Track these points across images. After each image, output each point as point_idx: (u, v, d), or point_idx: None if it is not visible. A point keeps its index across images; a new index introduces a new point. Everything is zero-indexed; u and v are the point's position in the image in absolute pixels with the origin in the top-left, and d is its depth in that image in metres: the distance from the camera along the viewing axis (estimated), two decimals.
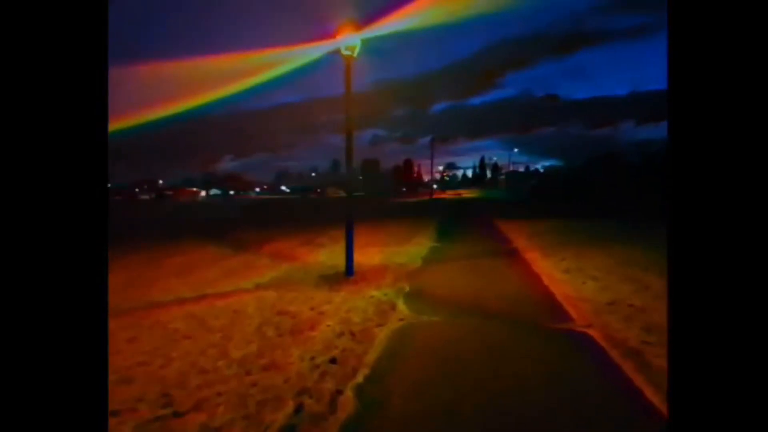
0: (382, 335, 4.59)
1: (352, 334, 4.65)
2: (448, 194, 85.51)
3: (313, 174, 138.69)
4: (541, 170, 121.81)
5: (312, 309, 5.59)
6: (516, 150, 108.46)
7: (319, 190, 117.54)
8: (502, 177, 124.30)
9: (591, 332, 4.49)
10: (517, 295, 6.00)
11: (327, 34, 7.10)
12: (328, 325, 4.94)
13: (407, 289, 6.53)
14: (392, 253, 9.95)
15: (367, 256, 9.60)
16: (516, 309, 5.34)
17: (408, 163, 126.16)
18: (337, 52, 7.25)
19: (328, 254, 10.05)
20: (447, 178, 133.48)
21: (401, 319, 5.08)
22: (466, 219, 21.32)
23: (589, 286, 6.33)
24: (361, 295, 6.21)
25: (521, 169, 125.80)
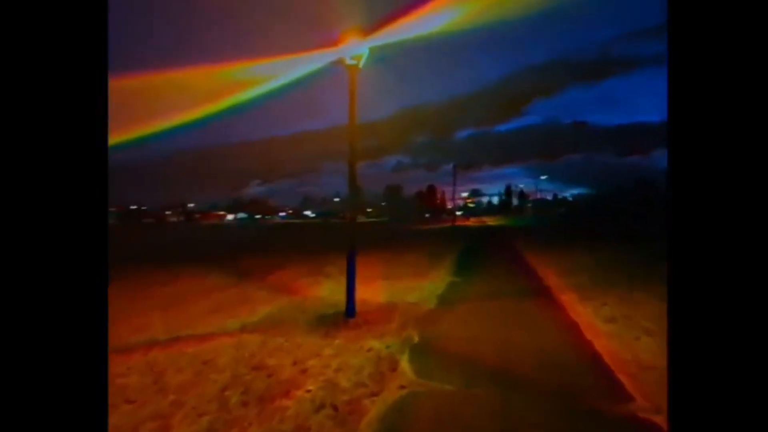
0: (373, 413, 3.46)
1: (335, 408, 3.54)
2: (472, 221, 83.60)
3: (336, 199, 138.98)
4: (570, 198, 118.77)
5: (295, 364, 4.52)
6: (543, 177, 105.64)
7: (341, 215, 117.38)
8: (529, 205, 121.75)
9: (662, 422, 3.25)
10: (552, 353, 4.79)
11: (329, 42, 6.26)
12: (309, 391, 3.86)
13: (416, 339, 5.39)
14: (405, 288, 8.82)
15: (376, 291, 8.51)
16: (552, 376, 4.13)
17: (431, 189, 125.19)
18: (340, 63, 6.38)
19: (334, 287, 8.98)
20: (471, 205, 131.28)
21: (402, 386, 3.95)
22: (490, 249, 19.99)
23: (645, 343, 5.04)
24: (359, 345, 5.11)
25: (549, 197, 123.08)
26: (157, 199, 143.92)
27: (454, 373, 4.23)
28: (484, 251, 18.91)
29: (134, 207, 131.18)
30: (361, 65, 6.38)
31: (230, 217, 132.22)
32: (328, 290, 8.79)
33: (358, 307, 6.69)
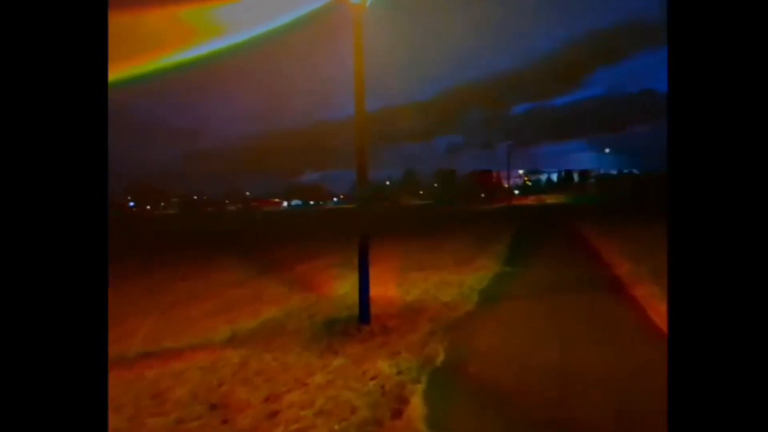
0: None
1: None
2: (530, 200, 79.70)
3: (387, 182, 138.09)
4: (637, 173, 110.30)
5: (267, 400, 3.33)
6: (607, 150, 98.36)
7: (391, 199, 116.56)
8: (592, 181, 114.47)
9: None
10: (635, 386, 3.28)
11: None
12: None
13: (440, 358, 4.03)
14: (441, 282, 7.42)
15: (405, 285, 7.19)
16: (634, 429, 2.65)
17: (485, 170, 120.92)
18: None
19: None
20: (529, 183, 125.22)
21: None
22: (548, 231, 18.02)
23: None
24: (363, 368, 3.83)
25: (613, 171, 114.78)
26: (217, 188, 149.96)
27: (488, 422, 2.85)
28: (542, 233, 16.99)
29: (195, 197, 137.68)
30: (368, 4, 4.99)
31: (285, 203, 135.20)
32: (351, 286, 7.58)
33: (378, 309, 5.43)
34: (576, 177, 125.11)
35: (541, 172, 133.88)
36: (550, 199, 75.53)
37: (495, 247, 11.87)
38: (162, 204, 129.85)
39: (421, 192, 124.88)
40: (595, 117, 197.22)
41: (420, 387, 3.43)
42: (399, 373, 3.72)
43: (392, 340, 4.56)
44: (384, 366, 3.86)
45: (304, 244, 15.44)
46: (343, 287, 7.48)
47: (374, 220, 29.73)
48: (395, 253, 11.02)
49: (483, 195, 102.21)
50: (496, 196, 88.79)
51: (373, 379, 3.62)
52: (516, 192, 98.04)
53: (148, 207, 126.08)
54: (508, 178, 57.68)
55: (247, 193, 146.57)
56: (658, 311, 5.13)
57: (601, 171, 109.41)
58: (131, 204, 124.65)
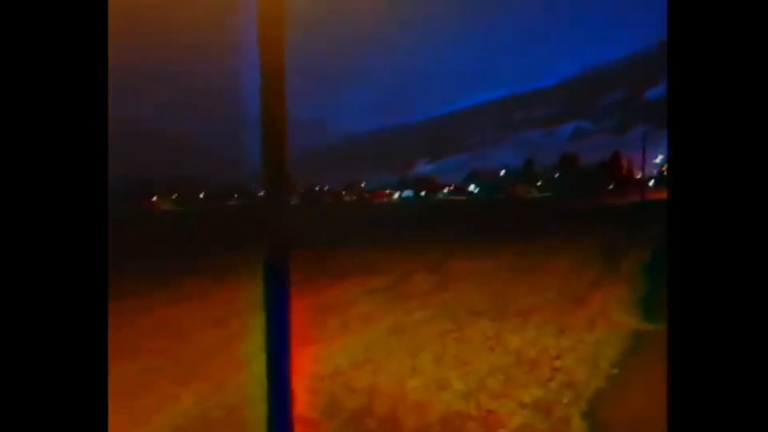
0: None
1: None
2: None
3: (502, 173, 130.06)
4: None
5: None
6: None
7: (508, 190, 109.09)
8: None
9: None
10: None
11: None
12: None
13: None
14: (519, 357, 4.16)
15: (447, 361, 4.06)
16: None
17: (616, 157, 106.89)
18: None
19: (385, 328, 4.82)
20: (666, 173, 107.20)
21: None
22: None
23: None
24: None
25: None
26: (337, 179, 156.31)
27: None
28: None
29: (318, 188, 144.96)
30: None
31: (396, 195, 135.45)
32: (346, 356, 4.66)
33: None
34: None
35: None
36: None
37: (627, 271, 7.95)
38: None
39: (539, 183, 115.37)
40: None
41: None
42: None
43: None
44: None
45: (375, 248, 12.75)
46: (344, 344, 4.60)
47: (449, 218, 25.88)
48: (460, 274, 7.82)
49: (611, 187, 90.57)
50: (627, 189, 77.39)
51: None
52: (650, 184, 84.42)
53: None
54: (643, 167, 48.57)
55: (363, 185, 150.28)
56: None
57: None
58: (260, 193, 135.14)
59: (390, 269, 8.76)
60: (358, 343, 4.60)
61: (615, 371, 3.82)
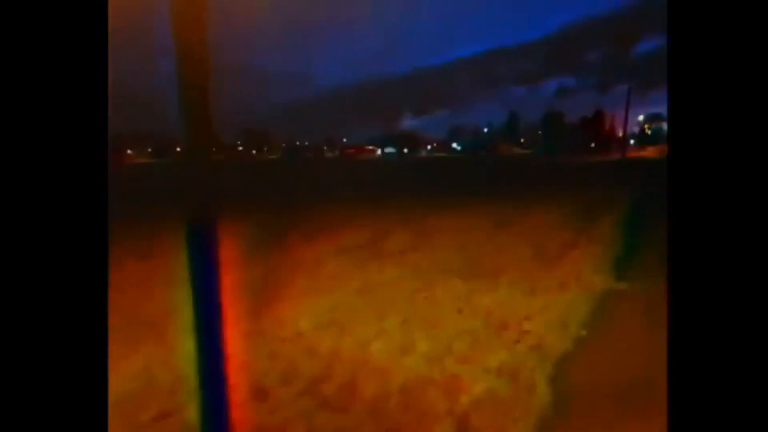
0: None
1: None
2: (650, 152, 68.32)
3: (486, 129, 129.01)
4: None
5: None
6: None
7: (490, 147, 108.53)
8: None
9: None
10: None
11: None
12: None
13: None
14: (489, 318, 4.06)
15: (414, 321, 3.94)
16: None
17: (598, 115, 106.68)
18: None
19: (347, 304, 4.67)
20: (649, 132, 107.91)
21: None
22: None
23: None
24: None
25: None
26: (317, 134, 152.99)
27: None
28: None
29: (298, 143, 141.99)
30: None
31: (379, 152, 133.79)
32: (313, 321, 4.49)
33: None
34: None
35: (664, 119, 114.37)
36: None
37: (603, 229, 7.91)
38: (266, 149, 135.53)
39: (522, 140, 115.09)
40: None
41: None
42: None
43: None
44: None
45: (341, 208, 12.52)
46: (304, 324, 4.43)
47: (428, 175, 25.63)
48: (436, 233, 7.67)
49: (593, 144, 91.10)
50: (612, 147, 77.80)
51: None
52: (632, 141, 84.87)
53: (254, 152, 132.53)
54: (625, 125, 48.51)
55: (344, 140, 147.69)
56: None
57: None
58: (240, 148, 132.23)
59: (365, 227, 8.55)
60: (325, 303, 4.43)
61: (584, 333, 3.74)
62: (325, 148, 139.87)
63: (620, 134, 77.75)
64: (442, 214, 9.77)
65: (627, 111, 44.45)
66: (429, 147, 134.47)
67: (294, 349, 3.49)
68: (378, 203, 12.67)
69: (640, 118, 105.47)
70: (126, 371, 3.12)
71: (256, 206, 13.00)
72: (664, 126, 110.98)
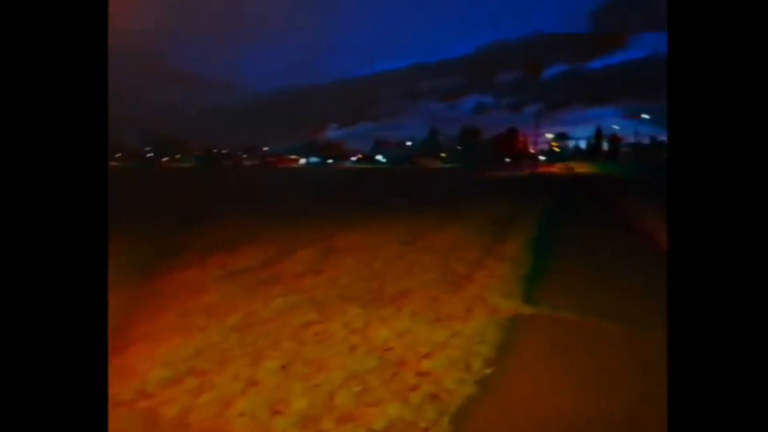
0: None
1: None
2: (558, 168, 73.56)
3: (408, 143, 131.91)
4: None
5: None
6: (645, 117, 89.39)
7: (413, 160, 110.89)
8: (625, 149, 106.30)
9: None
10: None
11: None
12: None
13: None
14: (383, 352, 3.53)
15: (297, 364, 3.29)
16: None
17: (512, 132, 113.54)
18: None
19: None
20: (557, 150, 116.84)
21: None
22: (584, 218, 13.84)
23: None
24: None
25: (645, 141, 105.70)
26: (237, 142, 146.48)
27: None
28: (576, 217, 12.78)
29: (215, 150, 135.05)
30: None
31: (302, 161, 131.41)
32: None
33: None
34: (606, 144, 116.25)
35: (569, 139, 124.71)
36: (580, 168, 69.18)
37: (511, 247, 7.80)
38: (178, 156, 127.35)
39: (443, 155, 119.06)
40: (632, 82, 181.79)
41: None
42: None
43: None
44: None
45: (257, 221, 11.55)
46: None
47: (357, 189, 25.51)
48: (343, 251, 7.10)
49: (508, 160, 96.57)
50: (524, 163, 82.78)
51: None
52: (542, 158, 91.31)
53: (165, 159, 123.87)
54: (536, 143, 52.00)
55: (265, 149, 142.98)
56: None
57: (633, 139, 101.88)
58: (149, 155, 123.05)
59: (266, 245, 7.75)
60: (188, 346, 3.62)
61: (488, 372, 3.32)
62: (245, 156, 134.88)
63: (531, 150, 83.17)
64: (353, 230, 9.21)
65: (537, 127, 47.49)
66: (353, 158, 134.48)
67: (129, 418, 2.69)
68: (287, 217, 11.85)
69: (549, 136, 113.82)
70: None
71: (151, 220, 11.61)
72: (569, 143, 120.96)
